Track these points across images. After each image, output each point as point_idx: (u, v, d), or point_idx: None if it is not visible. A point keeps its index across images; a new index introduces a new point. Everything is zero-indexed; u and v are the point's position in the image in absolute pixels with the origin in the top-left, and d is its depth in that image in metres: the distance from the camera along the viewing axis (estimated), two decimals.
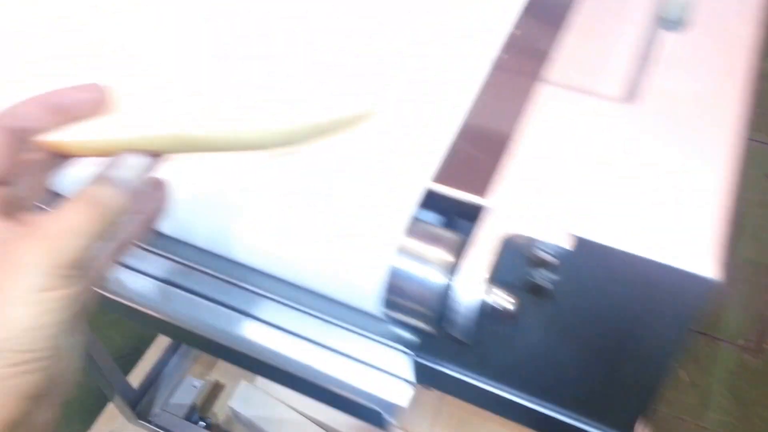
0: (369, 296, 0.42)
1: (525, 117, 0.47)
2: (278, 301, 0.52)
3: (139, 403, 1.16)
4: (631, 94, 0.48)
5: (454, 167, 0.45)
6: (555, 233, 0.41)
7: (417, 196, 0.43)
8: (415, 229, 0.43)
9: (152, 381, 1.19)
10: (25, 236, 0.32)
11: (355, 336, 0.51)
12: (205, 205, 0.45)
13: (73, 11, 0.53)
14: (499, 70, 0.51)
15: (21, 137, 0.34)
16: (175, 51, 0.45)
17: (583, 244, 0.41)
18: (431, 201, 0.44)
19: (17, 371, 0.31)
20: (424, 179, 0.44)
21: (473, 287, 0.41)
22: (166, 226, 0.46)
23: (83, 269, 0.33)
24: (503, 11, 0.54)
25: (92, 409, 1.22)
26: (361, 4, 0.56)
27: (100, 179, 0.34)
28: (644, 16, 0.53)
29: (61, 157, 0.37)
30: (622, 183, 0.43)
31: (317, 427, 1.13)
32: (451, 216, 0.48)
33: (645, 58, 0.50)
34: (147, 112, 0.36)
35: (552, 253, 0.42)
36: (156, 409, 1.17)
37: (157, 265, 0.55)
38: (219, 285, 0.54)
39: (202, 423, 1.18)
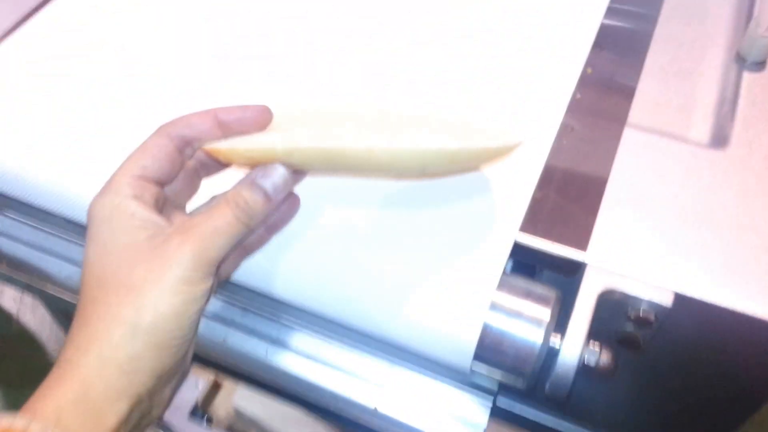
0: (461, 353, 0.41)
1: (612, 163, 0.45)
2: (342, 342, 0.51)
3: None
4: (720, 139, 0.46)
5: (541, 217, 0.44)
6: (653, 289, 0.40)
7: (508, 248, 0.42)
8: (509, 283, 0.41)
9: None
10: (177, 234, 0.36)
11: (429, 379, 0.49)
12: (301, 262, 0.43)
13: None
14: (574, 111, 0.49)
15: (188, 144, 0.39)
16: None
17: (682, 300, 0.40)
18: (517, 252, 0.43)
19: (155, 353, 0.35)
20: (513, 230, 0.43)
21: (571, 345, 0.40)
22: (244, 275, 0.45)
23: (217, 266, 0.37)
24: (572, 49, 0.53)
25: None
26: (429, 50, 0.55)
27: (251, 185, 0.37)
28: (721, 54, 0.52)
29: (215, 163, 0.41)
30: (719, 237, 0.42)
31: (321, 425, 1.12)
32: (532, 265, 0.46)
33: (729, 101, 0.49)
34: (300, 125, 0.38)
35: (650, 309, 0.41)
36: None
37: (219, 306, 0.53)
38: (276, 325, 0.52)
39: (205, 420, 1.17)
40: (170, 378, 0.38)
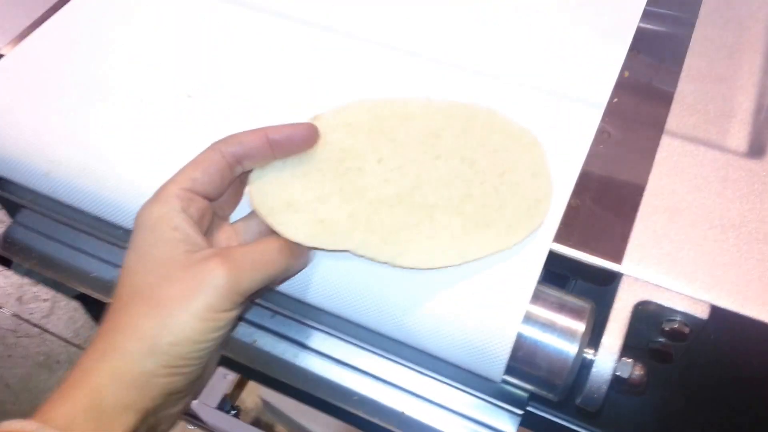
0: (493, 364, 0.41)
1: (649, 171, 0.45)
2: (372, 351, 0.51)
3: None
4: (758, 148, 0.46)
5: (577, 225, 0.43)
6: (689, 301, 0.40)
7: (542, 259, 0.42)
8: (543, 295, 0.41)
9: None
10: (218, 257, 0.35)
11: (458, 391, 0.49)
12: (334, 269, 0.43)
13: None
14: (611, 116, 0.48)
15: (239, 162, 0.39)
16: None
17: (718, 313, 0.39)
18: (552, 261, 0.43)
19: (168, 372, 0.35)
20: (547, 240, 0.42)
21: (605, 357, 0.40)
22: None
23: (248, 297, 0.37)
24: (609, 52, 0.52)
25: None
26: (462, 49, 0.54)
27: None
28: (759, 59, 0.51)
29: None
30: (756, 248, 0.41)
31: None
32: (565, 273, 0.46)
33: (767, 111, 0.48)
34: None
35: (685, 321, 0.40)
36: None
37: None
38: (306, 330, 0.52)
39: (233, 412, 1.19)
40: (181, 397, 0.38)
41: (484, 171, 0.43)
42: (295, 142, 0.40)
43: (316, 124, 0.43)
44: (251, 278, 0.36)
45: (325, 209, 0.41)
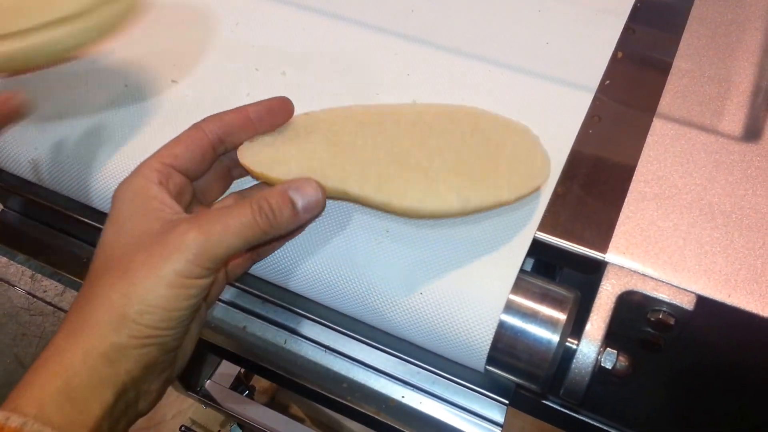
0: (475, 354, 0.40)
1: (638, 156, 0.44)
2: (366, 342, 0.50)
3: (187, 375, 1.17)
4: (753, 131, 0.44)
5: (563, 213, 0.42)
6: (674, 291, 0.39)
7: (525, 249, 0.41)
8: (526, 284, 0.40)
9: (200, 353, 1.19)
10: (188, 222, 0.34)
11: (447, 382, 0.49)
12: (318, 260, 0.43)
13: None
14: (602, 99, 0.47)
15: (222, 142, 0.39)
16: None
17: (704, 303, 0.39)
18: (537, 249, 0.42)
19: (141, 343, 0.34)
20: (531, 229, 0.41)
21: (587, 348, 0.39)
22: (260, 268, 0.44)
23: (221, 265, 0.35)
24: (603, 30, 0.50)
25: None
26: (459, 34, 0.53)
27: (282, 195, 0.37)
28: (759, 37, 0.49)
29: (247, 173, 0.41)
30: (746, 237, 0.40)
31: None
32: (550, 262, 0.45)
33: (765, 91, 0.46)
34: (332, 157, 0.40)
35: (670, 312, 0.40)
36: (203, 380, 1.18)
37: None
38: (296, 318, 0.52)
39: (246, 392, 1.19)
40: (160, 370, 0.37)
41: (477, 145, 0.41)
42: (275, 112, 0.40)
43: (306, 116, 0.42)
44: (224, 243, 0.34)
45: (318, 164, 0.40)
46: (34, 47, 0.40)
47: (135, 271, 0.33)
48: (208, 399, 1.14)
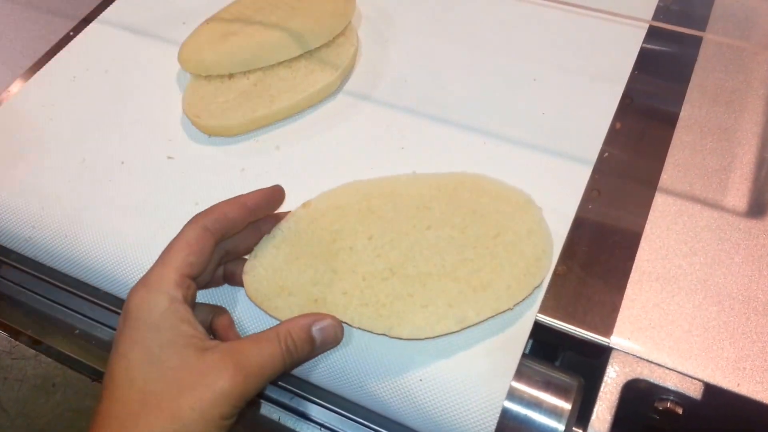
0: None
1: (641, 233, 0.43)
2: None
3: None
4: (758, 207, 0.43)
5: (564, 295, 0.41)
6: (681, 379, 0.38)
7: (526, 334, 0.40)
8: (528, 371, 0.39)
9: None
10: (222, 360, 0.34)
11: None
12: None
13: None
14: (601, 172, 0.46)
15: (224, 237, 0.39)
16: None
17: (711, 391, 0.37)
18: (539, 332, 0.41)
19: None
20: (532, 313, 0.40)
21: None
22: None
23: None
24: (600, 98, 0.50)
25: None
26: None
27: (306, 331, 0.37)
28: (762, 107, 0.48)
29: (238, 252, 0.42)
30: (754, 321, 0.39)
31: None
32: (552, 344, 0.44)
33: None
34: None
35: (678, 400, 0.38)
36: None
37: None
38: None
39: None
40: None
41: (477, 236, 0.41)
42: (269, 202, 0.41)
43: (306, 210, 0.43)
44: (259, 385, 0.35)
45: (318, 290, 0.40)
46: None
47: (185, 419, 0.33)
48: None
